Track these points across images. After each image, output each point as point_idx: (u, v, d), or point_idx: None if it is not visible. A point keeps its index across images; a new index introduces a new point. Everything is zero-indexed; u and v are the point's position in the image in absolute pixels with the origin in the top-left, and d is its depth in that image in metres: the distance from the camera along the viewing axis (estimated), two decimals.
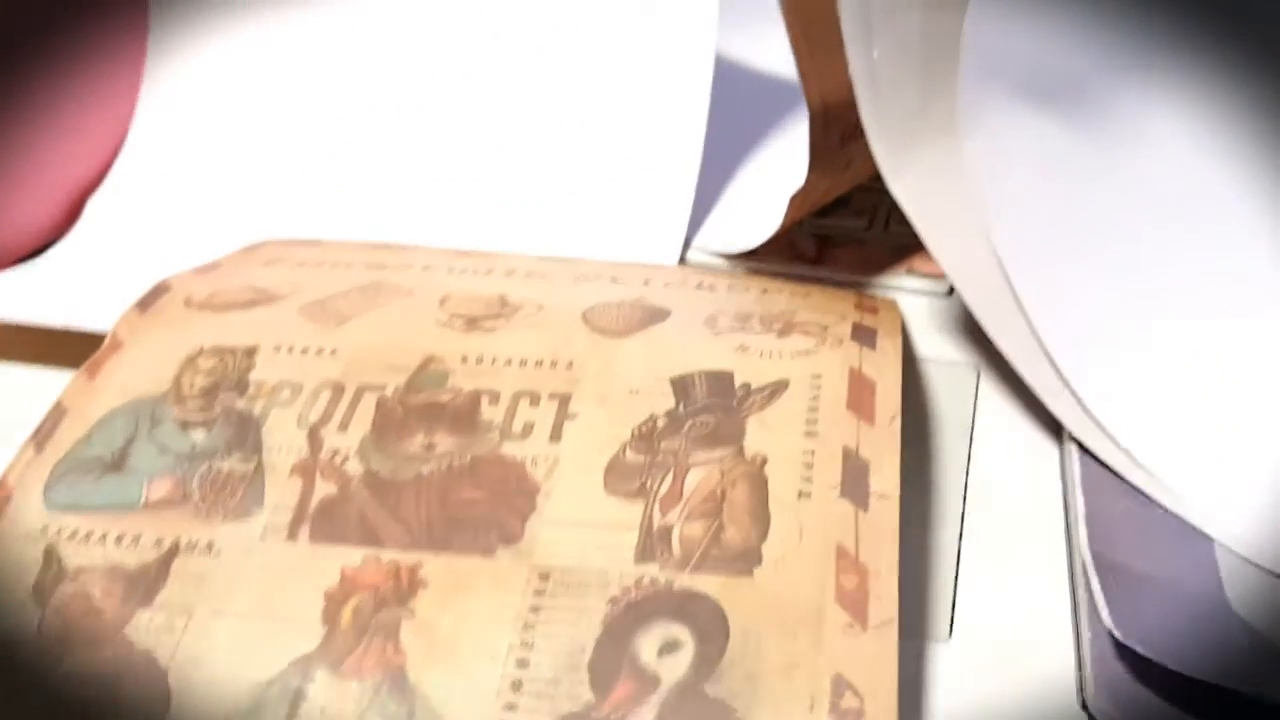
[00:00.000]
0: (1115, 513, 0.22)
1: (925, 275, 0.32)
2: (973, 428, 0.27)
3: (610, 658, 0.20)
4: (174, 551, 0.23)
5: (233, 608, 0.22)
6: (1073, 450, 0.24)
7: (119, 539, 0.23)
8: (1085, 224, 0.25)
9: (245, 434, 0.25)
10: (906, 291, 0.32)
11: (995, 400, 0.28)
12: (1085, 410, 0.24)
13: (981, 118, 0.25)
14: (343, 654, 0.21)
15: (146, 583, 0.22)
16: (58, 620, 0.22)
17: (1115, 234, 0.25)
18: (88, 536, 0.23)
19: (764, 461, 0.23)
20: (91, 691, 0.21)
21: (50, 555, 0.23)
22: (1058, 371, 0.25)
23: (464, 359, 0.26)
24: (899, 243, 0.34)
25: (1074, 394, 0.24)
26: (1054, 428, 0.27)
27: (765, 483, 0.22)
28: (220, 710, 0.20)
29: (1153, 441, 0.23)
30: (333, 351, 0.27)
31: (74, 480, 0.24)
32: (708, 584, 0.21)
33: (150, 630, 0.21)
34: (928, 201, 0.26)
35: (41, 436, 0.25)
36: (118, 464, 0.25)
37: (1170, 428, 0.24)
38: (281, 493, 0.24)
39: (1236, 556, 0.22)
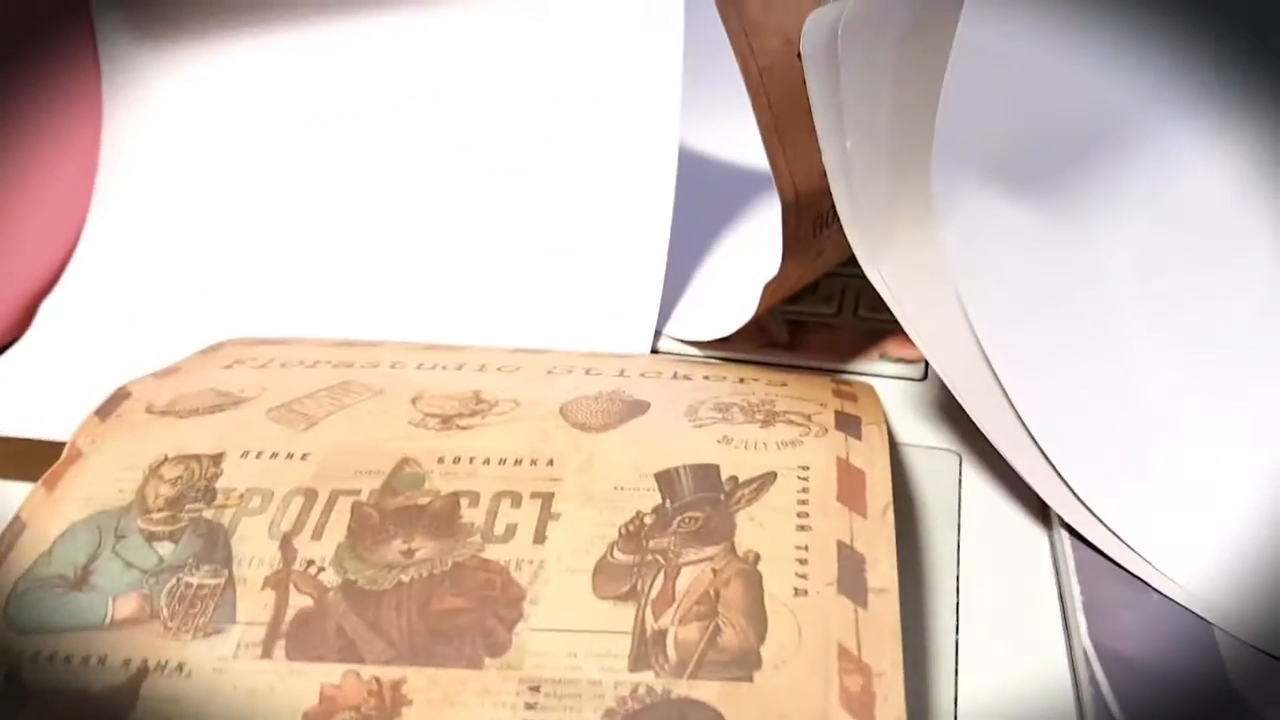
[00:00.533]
0: (1112, 599, 0.22)
1: (899, 360, 0.33)
2: (959, 513, 0.27)
3: None
4: (143, 673, 0.22)
5: None
6: (1064, 536, 0.24)
7: (84, 660, 0.22)
8: (1062, 307, 0.25)
9: (214, 545, 0.24)
10: (881, 376, 0.32)
11: (980, 485, 0.28)
12: (1073, 494, 0.24)
13: (956, 205, 0.25)
14: None
15: (115, 709, 0.21)
16: None
17: (1092, 319, 0.25)
18: (51, 658, 0.22)
19: (757, 558, 0.22)
20: None
21: (11, 679, 0.21)
22: (1043, 454, 0.24)
23: (440, 459, 0.25)
24: (870, 327, 0.34)
25: (1060, 477, 0.24)
26: (1041, 511, 0.26)
27: (760, 580, 0.22)
28: None
29: (1143, 525, 0.23)
30: (303, 456, 0.26)
31: (35, 599, 0.23)
32: (706, 691, 0.20)
33: None
34: (905, 288, 0.26)
35: (0, 552, 0.24)
36: (81, 581, 0.23)
37: (1160, 510, 0.24)
38: (254, 607, 0.23)
39: (1237, 640, 0.21)
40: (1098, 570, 0.23)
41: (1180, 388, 0.25)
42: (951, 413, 0.30)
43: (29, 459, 0.28)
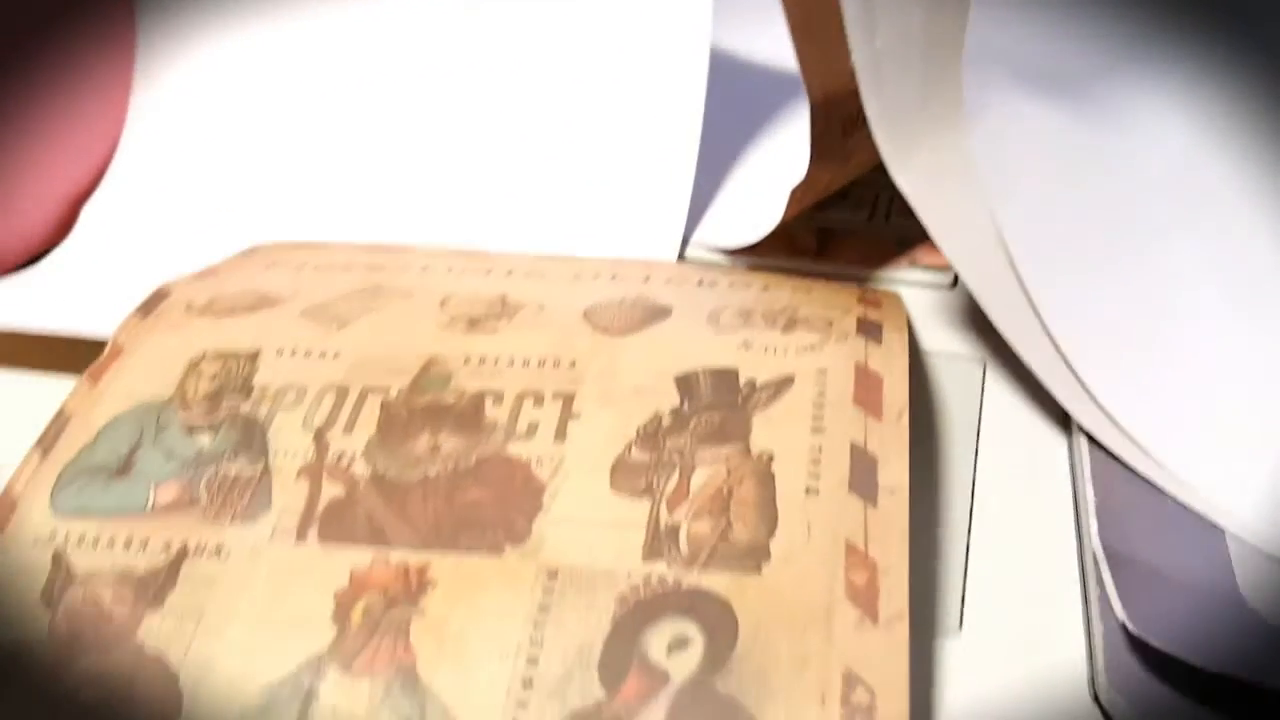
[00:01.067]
0: (1126, 504, 0.22)
1: (929, 267, 0.32)
2: (980, 420, 0.27)
3: (620, 655, 0.20)
4: (183, 555, 0.23)
5: (243, 610, 0.22)
6: (1082, 442, 0.24)
7: (127, 543, 0.23)
8: (1091, 214, 0.25)
9: (251, 438, 0.25)
10: (910, 284, 0.32)
11: (1002, 393, 0.28)
12: (1094, 401, 0.24)
13: (986, 107, 0.25)
14: (353, 653, 0.21)
15: (156, 586, 0.22)
16: (67, 625, 0.22)
17: (1120, 223, 0.25)
18: (96, 541, 0.23)
19: (770, 458, 0.23)
20: (103, 694, 0.21)
21: (58, 560, 0.23)
22: (1066, 362, 0.25)
23: (466, 360, 0.26)
24: (901, 235, 0.34)
25: (1082, 385, 0.24)
26: (1062, 420, 0.27)
27: (772, 479, 0.22)
28: (232, 710, 0.20)
29: (1162, 432, 0.23)
30: (335, 355, 0.27)
31: (80, 486, 0.24)
32: (716, 582, 0.21)
33: (161, 633, 0.21)
34: (933, 192, 0.26)
35: (46, 443, 0.25)
36: (124, 469, 0.25)
37: (1179, 418, 0.24)
38: (289, 495, 0.24)
39: (1248, 547, 0.22)
40: (1113, 475, 0.23)
41: (1208, 297, 0.24)
42: (978, 321, 0.30)
43: (73, 355, 0.29)
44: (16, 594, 0.22)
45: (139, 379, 0.27)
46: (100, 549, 0.23)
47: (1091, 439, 0.24)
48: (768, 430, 0.23)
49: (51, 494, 0.24)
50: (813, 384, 0.24)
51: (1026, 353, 0.25)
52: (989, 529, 0.24)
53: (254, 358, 0.27)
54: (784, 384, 0.24)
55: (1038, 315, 0.25)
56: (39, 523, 0.23)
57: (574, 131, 0.36)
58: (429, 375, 0.26)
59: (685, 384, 0.25)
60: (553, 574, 0.21)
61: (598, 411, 0.24)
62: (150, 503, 0.24)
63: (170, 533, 0.23)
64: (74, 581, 0.22)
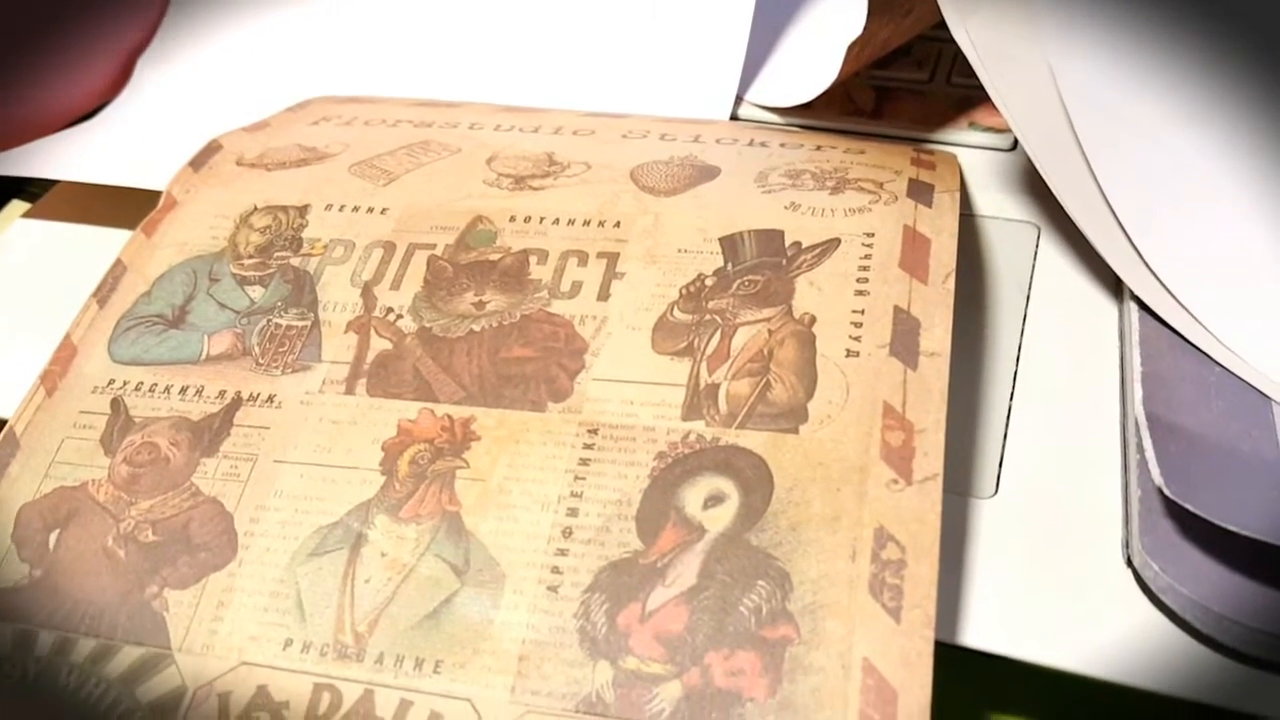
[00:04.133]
0: (1173, 373, 0.22)
1: (988, 129, 0.31)
2: (1030, 286, 0.27)
3: (657, 508, 0.20)
4: (236, 403, 0.23)
5: (294, 456, 0.22)
6: (1133, 309, 0.24)
7: (183, 391, 0.24)
8: (1153, 76, 0.24)
9: (301, 290, 0.25)
10: (967, 146, 0.31)
11: (1055, 259, 0.27)
12: (1147, 267, 0.23)
13: None
14: (401, 500, 0.21)
15: (211, 433, 0.23)
16: (126, 469, 0.23)
17: (1182, 86, 0.24)
18: (152, 389, 0.24)
19: (812, 320, 0.23)
20: (161, 534, 0.22)
21: (117, 406, 0.24)
22: (1122, 228, 0.24)
23: (512, 218, 0.26)
24: (961, 95, 0.33)
25: (1137, 251, 0.24)
26: (1114, 289, 0.26)
27: (813, 341, 0.22)
28: (285, 551, 0.21)
29: (1215, 301, 0.23)
30: (383, 210, 0.27)
31: (137, 335, 0.25)
32: (753, 440, 0.21)
33: (216, 477, 0.22)
34: (993, 49, 0.25)
35: (104, 293, 0.26)
36: (179, 319, 0.25)
37: (1234, 289, 0.23)
38: (338, 348, 0.24)
39: None
40: (1162, 343, 0.23)
41: (1266, 168, 0.23)
42: (1035, 185, 0.29)
43: (129, 207, 0.29)
44: (78, 439, 0.23)
45: (192, 231, 0.27)
46: (157, 395, 0.24)
47: (1142, 306, 0.23)
48: (811, 292, 0.23)
49: (109, 342, 0.25)
50: (859, 246, 0.24)
51: (1081, 217, 0.24)
52: (1032, 394, 0.24)
53: (303, 211, 0.27)
54: (830, 246, 0.24)
55: (1095, 180, 0.24)
56: (98, 370, 0.24)
57: None
58: (475, 232, 0.26)
59: (730, 244, 0.24)
60: (593, 430, 0.22)
61: (641, 271, 0.24)
62: (204, 352, 0.24)
63: (224, 381, 0.24)
64: (132, 427, 0.23)
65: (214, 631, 0.20)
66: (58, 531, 0.22)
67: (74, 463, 0.23)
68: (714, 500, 0.20)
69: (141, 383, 0.24)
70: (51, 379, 0.24)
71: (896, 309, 0.23)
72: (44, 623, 0.21)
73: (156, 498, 0.22)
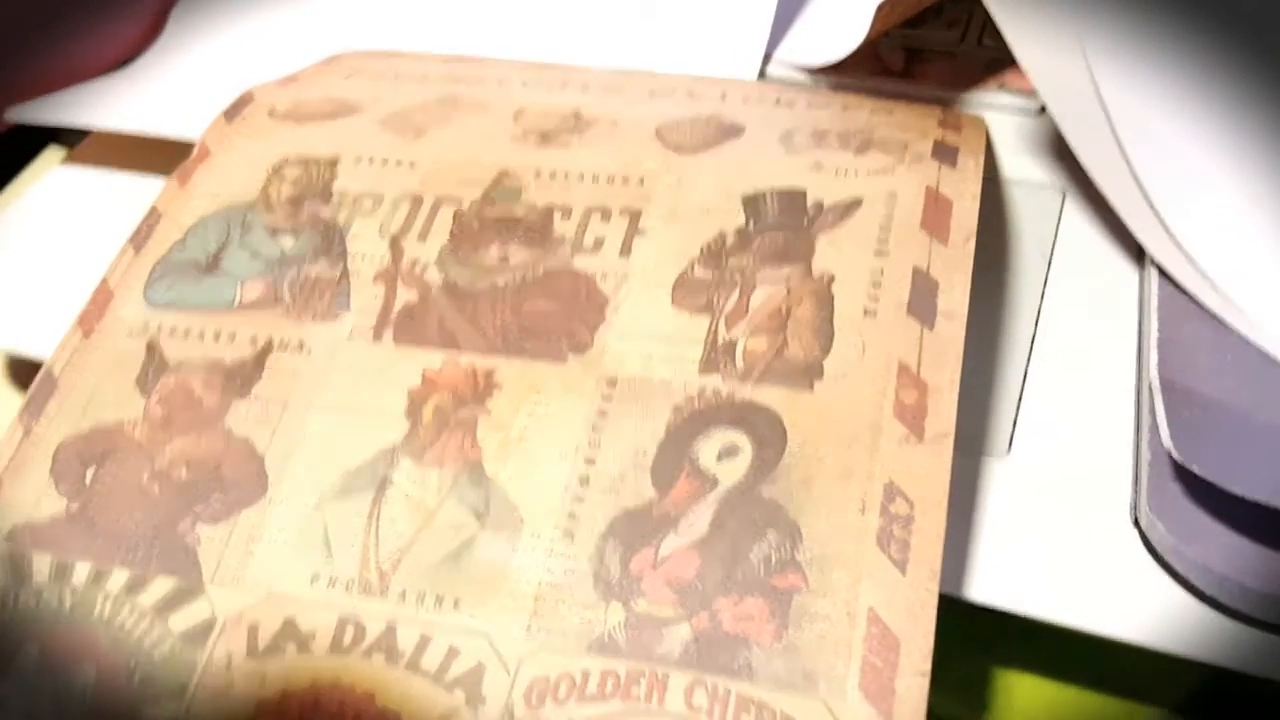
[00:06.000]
0: (1190, 339, 0.22)
1: (1018, 92, 0.31)
2: (1053, 250, 0.27)
3: (671, 460, 0.21)
4: (268, 349, 0.24)
5: (323, 402, 0.23)
6: (1153, 275, 0.24)
7: (216, 336, 0.24)
8: (1182, 42, 0.24)
9: (331, 241, 0.26)
10: (996, 109, 0.31)
11: (1079, 224, 0.27)
12: (1168, 232, 0.23)
13: None
14: (424, 447, 0.22)
15: (243, 377, 0.24)
16: (161, 409, 0.23)
17: (1211, 53, 0.24)
18: (187, 333, 0.25)
19: (831, 280, 0.23)
20: (194, 472, 0.22)
21: (152, 350, 0.24)
22: (1143, 193, 0.24)
23: (537, 174, 0.26)
24: (992, 57, 0.33)
25: (1158, 216, 0.24)
26: (1137, 256, 0.26)
27: (831, 300, 0.23)
28: (313, 493, 0.22)
29: (1235, 268, 0.23)
30: (411, 164, 0.27)
31: (172, 281, 0.26)
32: (768, 396, 0.21)
33: (248, 420, 0.23)
34: (1021, 9, 0.25)
35: (139, 239, 0.26)
36: (212, 266, 0.26)
37: (1254, 255, 0.23)
38: (366, 298, 0.25)
39: None
40: (1180, 310, 0.23)
41: None
42: (1062, 150, 0.29)
43: (164, 155, 0.30)
44: (114, 380, 0.24)
45: (225, 181, 0.28)
46: (191, 340, 0.24)
47: (1162, 272, 0.24)
48: (831, 252, 0.23)
49: (145, 287, 0.25)
50: (881, 207, 0.24)
51: (1105, 181, 0.24)
52: (1049, 357, 0.24)
53: (334, 164, 0.28)
54: (851, 206, 0.24)
55: (1120, 145, 0.24)
56: (133, 314, 0.25)
57: None
58: (500, 187, 0.26)
59: (752, 204, 0.25)
60: (612, 382, 0.22)
61: (663, 228, 0.25)
62: (237, 299, 0.25)
63: (256, 328, 0.25)
64: (167, 369, 0.24)
65: (243, 565, 0.21)
66: (94, 468, 0.23)
67: (110, 403, 0.24)
68: (728, 453, 0.21)
69: (176, 327, 0.25)
70: (89, 322, 0.25)
71: (915, 270, 0.23)
72: (80, 554, 0.22)
73: (189, 437, 0.23)
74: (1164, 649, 0.20)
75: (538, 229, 0.25)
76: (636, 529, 0.20)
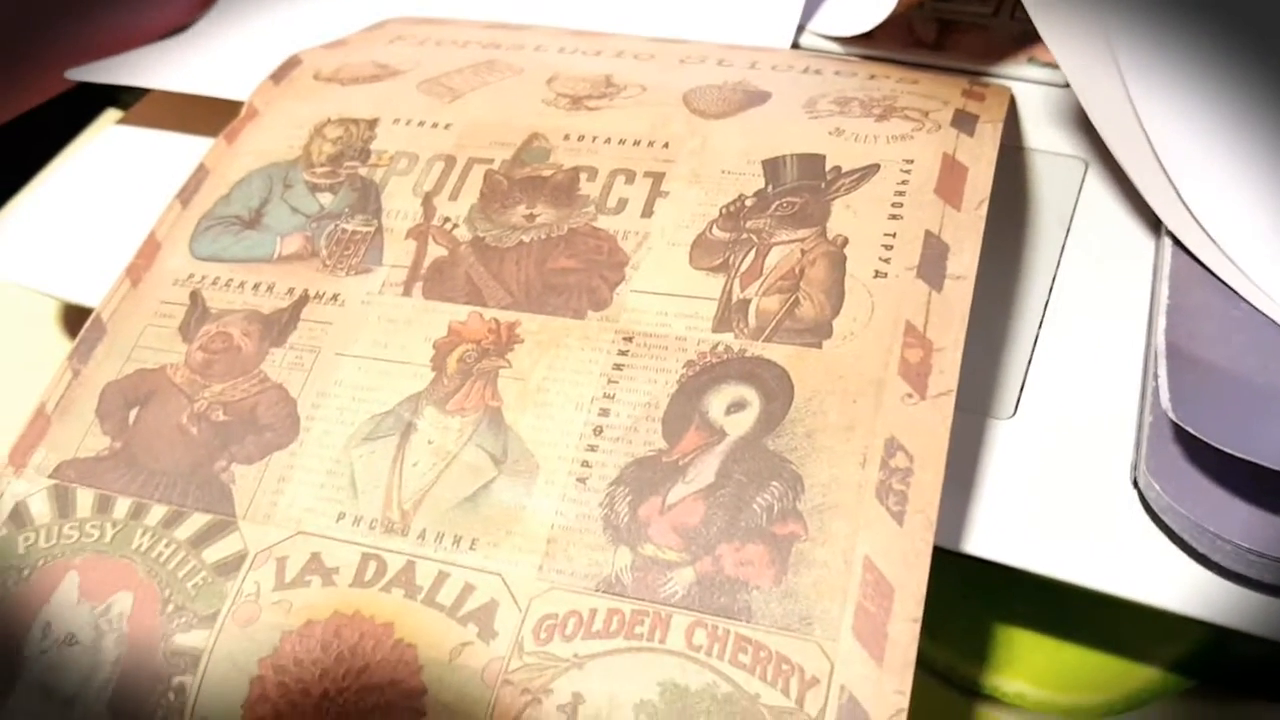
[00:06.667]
0: (1199, 306, 0.22)
1: (1047, 64, 0.31)
2: (1071, 220, 0.27)
3: (682, 412, 0.22)
4: (304, 300, 0.25)
5: (354, 350, 0.24)
6: (1167, 244, 0.24)
7: (255, 287, 0.26)
8: (1199, 22, 0.24)
9: (367, 198, 0.27)
10: (1026, 81, 0.31)
11: (1099, 195, 0.27)
12: (1183, 202, 0.24)
13: None
14: (448, 395, 0.23)
15: (279, 325, 0.25)
16: (201, 355, 0.25)
17: (1230, 24, 0.24)
18: (228, 283, 0.26)
19: (845, 242, 0.23)
20: (231, 414, 0.24)
21: (196, 298, 0.26)
22: (1159, 163, 0.24)
23: (566, 136, 0.27)
24: (1023, 30, 0.33)
25: (1174, 186, 0.24)
26: (1154, 227, 0.26)
27: (844, 262, 0.23)
28: (342, 435, 0.23)
29: (1247, 238, 0.23)
30: (446, 125, 0.28)
31: (216, 234, 0.27)
32: (778, 353, 0.22)
33: (283, 365, 0.24)
34: None
35: (186, 194, 0.28)
36: (254, 221, 0.27)
37: (1266, 226, 0.23)
38: (398, 253, 0.26)
39: None
40: (1191, 278, 0.23)
41: None
42: (1088, 122, 0.29)
43: (213, 115, 0.31)
44: (159, 327, 0.25)
45: (270, 140, 0.29)
46: (232, 290, 0.26)
47: (1176, 241, 0.24)
48: (846, 215, 0.24)
49: (190, 240, 0.27)
50: (897, 172, 0.25)
51: (1121, 151, 0.24)
52: (1060, 324, 0.25)
53: (373, 124, 0.29)
54: (869, 171, 0.25)
55: (1136, 116, 0.24)
56: (179, 265, 0.26)
57: None
58: (530, 149, 0.27)
59: (771, 167, 0.25)
60: (628, 338, 0.23)
61: (685, 190, 0.25)
62: (276, 252, 0.26)
63: (293, 279, 0.26)
64: (208, 318, 0.25)
65: (274, 503, 0.22)
66: (137, 409, 0.24)
67: (154, 348, 0.25)
68: (736, 406, 0.22)
69: (218, 278, 0.26)
70: (137, 272, 0.26)
71: (927, 233, 0.23)
72: (122, 489, 0.23)
73: (228, 382, 0.24)
74: (1158, 606, 0.20)
75: (564, 189, 0.26)
76: (646, 477, 0.21)
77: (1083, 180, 0.28)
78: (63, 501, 0.23)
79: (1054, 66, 0.31)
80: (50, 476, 0.24)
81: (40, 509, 0.23)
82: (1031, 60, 0.32)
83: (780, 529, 0.20)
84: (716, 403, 0.22)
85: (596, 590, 0.20)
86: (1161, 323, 0.22)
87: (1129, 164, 0.25)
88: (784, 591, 0.19)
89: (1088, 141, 0.29)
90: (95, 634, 0.22)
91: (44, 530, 0.23)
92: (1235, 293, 0.23)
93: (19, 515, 0.23)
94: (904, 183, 0.24)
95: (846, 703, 0.18)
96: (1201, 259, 0.23)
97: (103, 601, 0.22)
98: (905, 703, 0.18)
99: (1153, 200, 0.24)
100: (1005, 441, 0.23)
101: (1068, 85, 0.31)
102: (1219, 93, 0.24)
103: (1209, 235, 0.23)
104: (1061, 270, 0.26)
